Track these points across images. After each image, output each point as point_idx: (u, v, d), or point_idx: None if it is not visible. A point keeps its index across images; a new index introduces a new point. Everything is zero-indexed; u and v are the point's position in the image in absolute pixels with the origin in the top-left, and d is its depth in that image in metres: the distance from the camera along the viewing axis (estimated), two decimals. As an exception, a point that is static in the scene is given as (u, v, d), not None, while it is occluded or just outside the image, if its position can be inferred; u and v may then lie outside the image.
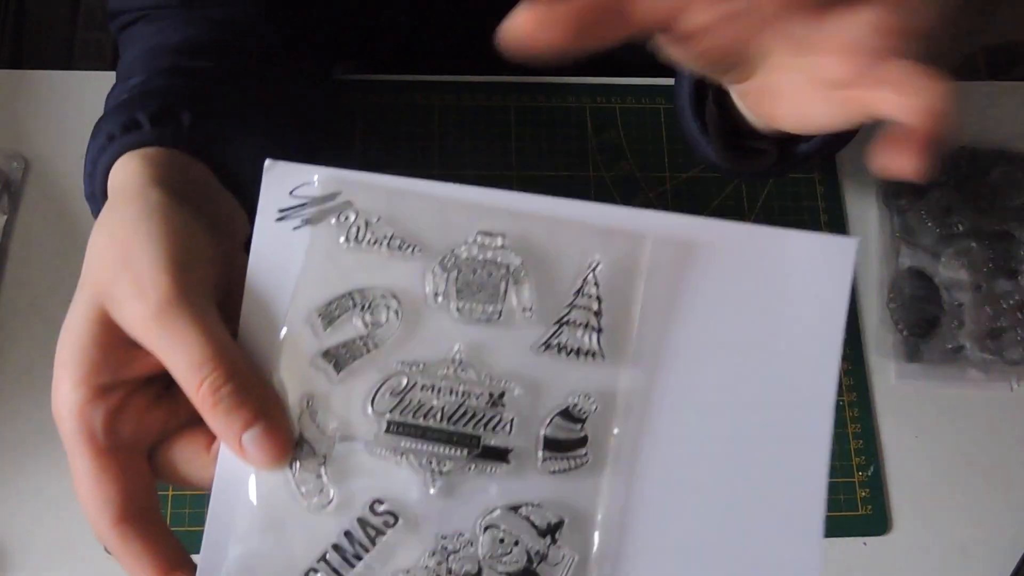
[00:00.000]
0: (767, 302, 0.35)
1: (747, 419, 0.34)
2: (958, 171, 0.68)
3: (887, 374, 0.64)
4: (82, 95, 0.67)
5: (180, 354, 0.32)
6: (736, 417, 0.34)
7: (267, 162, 0.34)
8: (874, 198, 0.68)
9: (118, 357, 0.33)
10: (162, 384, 0.34)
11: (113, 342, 0.33)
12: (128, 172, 0.37)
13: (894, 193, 0.67)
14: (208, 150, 0.40)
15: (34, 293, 0.61)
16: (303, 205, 0.34)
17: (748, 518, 0.34)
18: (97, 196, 0.40)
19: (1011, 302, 0.64)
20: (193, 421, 0.33)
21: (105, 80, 0.67)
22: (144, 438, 0.34)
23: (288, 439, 0.33)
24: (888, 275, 0.65)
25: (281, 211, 0.34)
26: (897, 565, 0.60)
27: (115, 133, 0.39)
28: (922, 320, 0.63)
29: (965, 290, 0.65)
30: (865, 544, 0.60)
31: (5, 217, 0.63)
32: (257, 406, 0.32)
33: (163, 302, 0.32)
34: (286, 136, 0.50)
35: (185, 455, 0.34)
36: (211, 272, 0.34)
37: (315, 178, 0.34)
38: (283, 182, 0.34)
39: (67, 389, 0.32)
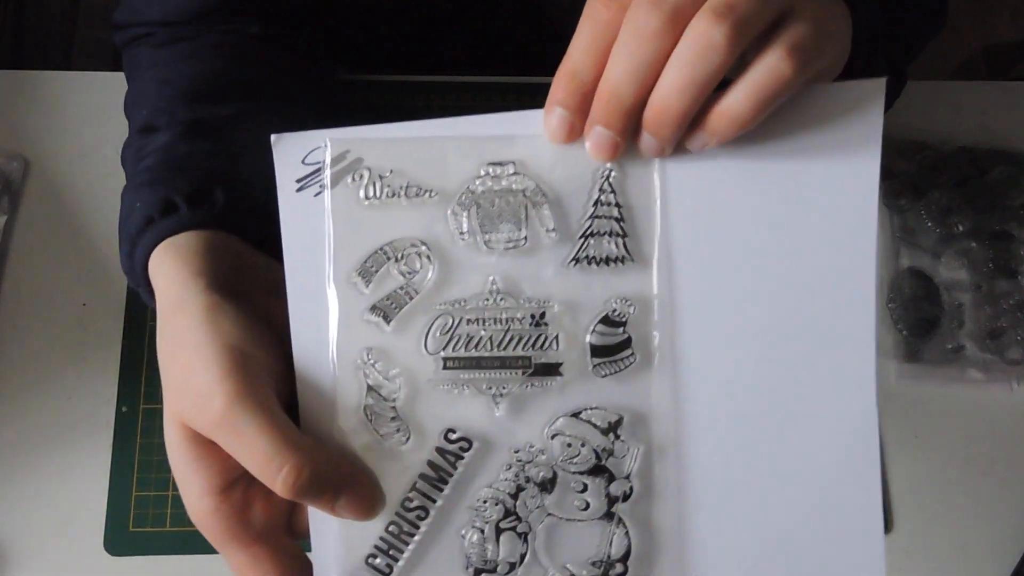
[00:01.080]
0: (795, 165, 0.35)
1: (784, 301, 0.35)
2: (958, 171, 0.67)
3: (887, 374, 0.64)
4: (82, 95, 0.67)
5: (249, 457, 0.33)
6: (773, 300, 0.35)
7: (273, 137, 0.35)
8: (874, 198, 0.68)
9: (220, 458, 0.35)
10: None
11: (208, 450, 0.35)
12: (170, 269, 0.38)
13: (894, 193, 0.67)
14: (243, 222, 0.41)
15: (34, 293, 0.61)
16: (317, 171, 0.35)
17: (796, 402, 0.35)
18: (137, 274, 0.41)
19: (1011, 302, 0.64)
20: None
21: (105, 80, 0.67)
22: (278, 514, 0.37)
23: (371, 493, 0.35)
24: (888, 275, 0.65)
25: (299, 181, 0.35)
26: (897, 565, 0.60)
27: (153, 216, 0.40)
28: (922, 320, 0.63)
29: (965, 290, 0.65)
30: (865, 544, 0.60)
31: (5, 217, 0.63)
32: (334, 485, 0.34)
33: (223, 411, 0.33)
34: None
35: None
36: (264, 357, 0.36)
37: (323, 142, 0.36)
38: (293, 153, 0.35)
39: (194, 501, 0.35)
